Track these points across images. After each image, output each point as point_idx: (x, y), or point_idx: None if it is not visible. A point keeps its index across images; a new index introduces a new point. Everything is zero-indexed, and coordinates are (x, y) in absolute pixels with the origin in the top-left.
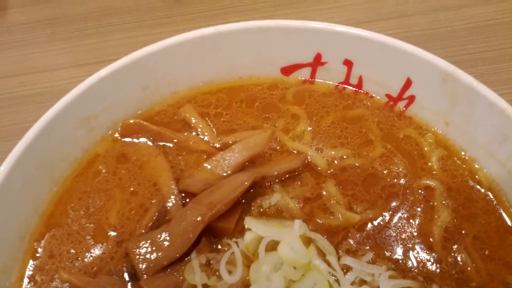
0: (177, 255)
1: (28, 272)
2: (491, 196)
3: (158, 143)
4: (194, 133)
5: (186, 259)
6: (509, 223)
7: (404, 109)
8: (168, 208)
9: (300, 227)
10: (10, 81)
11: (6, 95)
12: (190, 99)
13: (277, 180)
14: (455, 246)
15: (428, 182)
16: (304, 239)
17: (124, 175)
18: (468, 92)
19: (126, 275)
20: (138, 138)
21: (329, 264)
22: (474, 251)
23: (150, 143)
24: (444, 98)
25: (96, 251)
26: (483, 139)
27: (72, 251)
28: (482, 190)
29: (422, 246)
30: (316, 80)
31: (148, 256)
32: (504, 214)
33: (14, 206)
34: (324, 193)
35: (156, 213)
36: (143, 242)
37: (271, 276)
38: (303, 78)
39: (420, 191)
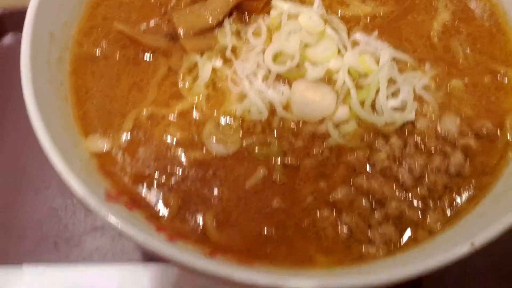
0: (212, 23)
1: (86, 26)
2: (488, 5)
3: None
4: None
5: (219, 28)
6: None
7: None
8: None
9: (319, 6)
10: None
11: None
12: None
13: None
14: (450, 39)
15: None
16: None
17: None
18: None
19: (168, 36)
20: None
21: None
22: (466, 44)
23: None
24: None
25: (143, 18)
26: None
27: (123, 15)
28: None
29: (422, 37)
30: None
31: (187, 22)
32: (499, 20)
33: None
34: None
35: None
36: (183, 12)
37: (290, 37)
38: None
39: None
